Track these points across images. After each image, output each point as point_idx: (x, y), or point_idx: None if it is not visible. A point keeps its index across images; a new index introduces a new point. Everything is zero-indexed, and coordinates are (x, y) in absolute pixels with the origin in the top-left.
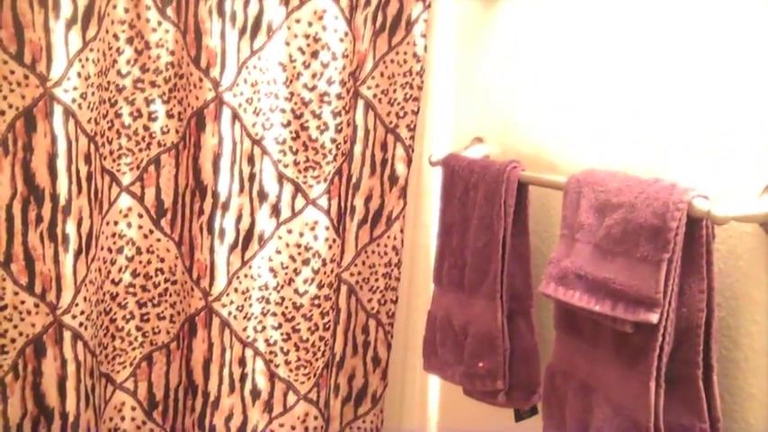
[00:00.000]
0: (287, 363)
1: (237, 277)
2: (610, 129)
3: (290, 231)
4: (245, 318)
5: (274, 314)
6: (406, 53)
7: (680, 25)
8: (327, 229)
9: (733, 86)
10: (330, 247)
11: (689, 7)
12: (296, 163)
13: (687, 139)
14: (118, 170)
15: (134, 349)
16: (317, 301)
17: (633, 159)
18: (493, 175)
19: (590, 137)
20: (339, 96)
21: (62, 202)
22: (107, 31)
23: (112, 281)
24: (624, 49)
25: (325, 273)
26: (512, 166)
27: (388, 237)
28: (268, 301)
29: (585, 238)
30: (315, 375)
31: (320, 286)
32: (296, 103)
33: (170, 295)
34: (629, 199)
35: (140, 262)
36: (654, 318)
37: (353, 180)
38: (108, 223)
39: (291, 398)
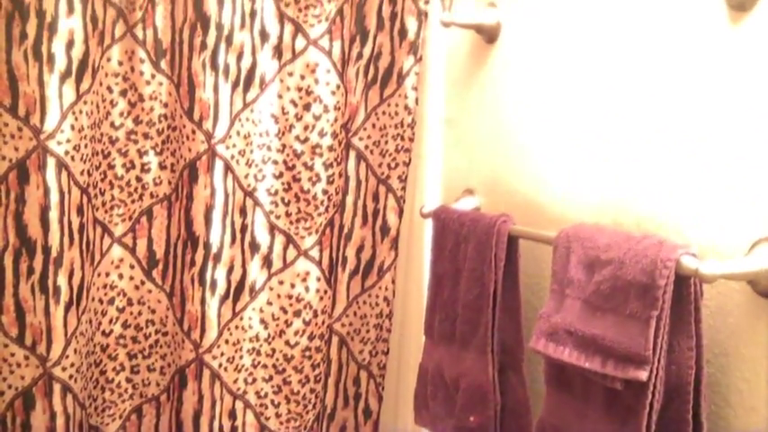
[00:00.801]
0: (277, 415)
1: (228, 329)
2: (599, 181)
3: (281, 282)
4: (235, 370)
5: (265, 366)
6: (397, 105)
7: (665, 75)
8: (319, 280)
9: (720, 145)
10: (321, 298)
11: (677, 59)
12: (288, 214)
13: (675, 195)
14: (110, 221)
15: (124, 401)
16: (308, 353)
17: (622, 213)
18: (483, 228)
19: (579, 188)
20: (331, 148)
21: (54, 253)
22: (101, 84)
23: (103, 332)
24: (611, 101)
25: (316, 324)
26: (502, 220)
27: (380, 287)
28: (259, 353)
29: (575, 293)
30: (305, 428)
31: (311, 338)
32: (288, 155)
33: (161, 347)
34: (617, 255)
35: (131, 313)
36: (643, 375)
37: (345, 231)
38: (99, 274)
39: None
